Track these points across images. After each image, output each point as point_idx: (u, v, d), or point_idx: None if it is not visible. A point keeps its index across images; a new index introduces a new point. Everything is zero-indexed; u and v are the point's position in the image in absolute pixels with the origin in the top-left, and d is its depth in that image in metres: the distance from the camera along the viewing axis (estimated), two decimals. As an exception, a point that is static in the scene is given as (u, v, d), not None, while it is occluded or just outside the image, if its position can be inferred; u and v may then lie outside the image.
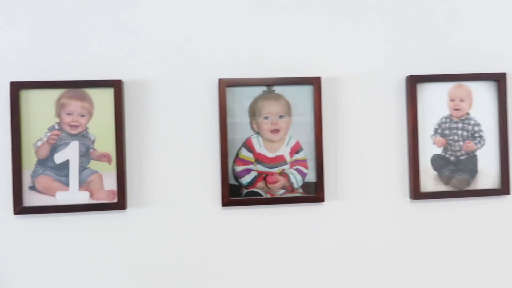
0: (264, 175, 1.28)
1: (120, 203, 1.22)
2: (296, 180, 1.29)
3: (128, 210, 1.25)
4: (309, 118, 1.29)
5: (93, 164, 1.23)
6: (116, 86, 1.22)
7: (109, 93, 1.22)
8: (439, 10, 1.34)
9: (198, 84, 1.27)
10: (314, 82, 1.28)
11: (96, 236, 1.24)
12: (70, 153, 1.22)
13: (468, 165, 1.34)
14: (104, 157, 1.23)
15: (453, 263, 1.33)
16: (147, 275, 1.26)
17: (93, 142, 1.23)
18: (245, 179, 1.28)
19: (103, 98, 1.23)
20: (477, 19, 1.35)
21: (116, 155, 1.22)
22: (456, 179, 1.33)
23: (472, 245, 1.34)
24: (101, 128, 1.23)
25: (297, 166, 1.29)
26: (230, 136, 1.27)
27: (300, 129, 1.29)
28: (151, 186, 1.26)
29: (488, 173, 1.34)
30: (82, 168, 1.22)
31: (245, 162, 1.28)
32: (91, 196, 1.23)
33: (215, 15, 1.28)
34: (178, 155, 1.27)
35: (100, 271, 1.24)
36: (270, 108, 1.28)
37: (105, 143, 1.23)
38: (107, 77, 1.24)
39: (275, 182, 1.28)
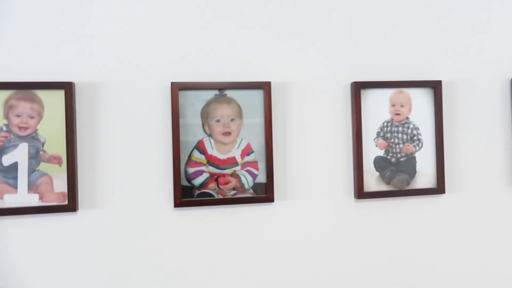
0: (216, 177, 1.32)
1: (70, 205, 1.22)
2: (247, 181, 1.34)
3: (79, 212, 1.26)
4: (259, 121, 1.34)
5: (43, 166, 1.22)
6: (67, 88, 1.22)
7: (59, 95, 1.22)
8: (382, 20, 1.43)
9: (151, 87, 1.30)
10: (265, 87, 1.33)
11: (46, 239, 1.24)
12: (18, 155, 1.21)
13: (407, 166, 1.44)
14: (54, 159, 1.23)
15: (394, 258, 1.43)
16: (99, 278, 1.26)
17: (43, 144, 1.22)
18: (197, 181, 1.31)
19: (54, 100, 1.22)
20: (417, 29, 1.45)
21: (66, 157, 1.22)
22: (396, 179, 1.43)
23: (411, 241, 1.44)
24: (52, 130, 1.22)
25: (248, 168, 1.34)
26: (182, 138, 1.30)
27: (251, 132, 1.34)
28: (102, 188, 1.27)
29: (425, 173, 1.45)
30: (32, 170, 1.22)
31: (197, 163, 1.31)
32: (41, 198, 1.22)
33: (170, 19, 1.31)
34: (130, 157, 1.28)
35: (51, 274, 1.24)
36: (222, 111, 1.32)
37: (56, 145, 1.23)
38: (58, 79, 1.24)
39: (227, 183, 1.32)
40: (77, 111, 1.26)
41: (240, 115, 1.33)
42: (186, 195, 1.30)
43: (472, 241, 1.47)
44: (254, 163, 1.34)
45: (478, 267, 1.48)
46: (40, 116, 1.22)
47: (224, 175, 1.32)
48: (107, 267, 1.27)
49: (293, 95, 1.38)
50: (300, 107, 1.38)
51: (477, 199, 1.48)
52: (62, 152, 1.23)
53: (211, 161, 1.32)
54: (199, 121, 1.31)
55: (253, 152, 1.34)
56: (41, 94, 1.22)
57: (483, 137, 1.49)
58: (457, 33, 1.47)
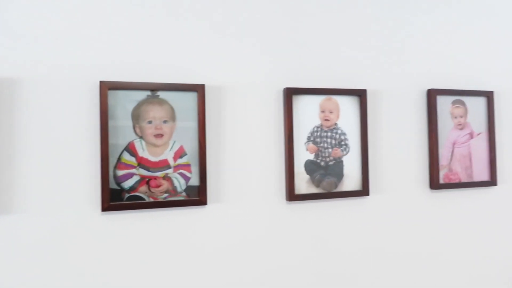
0: (147, 179, 1.29)
1: None
2: (180, 184, 1.32)
3: (-7, 218, 1.16)
4: (193, 124, 1.33)
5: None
6: (-18, 83, 1.13)
7: (-28, 90, 1.12)
8: (316, 30, 1.50)
9: (78, 85, 1.24)
10: (198, 89, 1.33)
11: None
12: None
13: (335, 169, 1.50)
14: (-35, 160, 1.12)
15: (323, 258, 1.48)
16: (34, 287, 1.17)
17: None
18: (127, 183, 1.27)
19: (-35, 96, 1.12)
20: (346, 41, 1.54)
21: (-21, 158, 1.12)
22: (325, 182, 1.49)
23: (340, 240, 1.50)
24: (-38, 128, 1.12)
25: (181, 170, 1.32)
26: (111, 140, 1.25)
27: (184, 134, 1.32)
28: (22, 191, 1.18)
29: (352, 176, 1.52)
30: None
31: (127, 166, 1.27)
32: None
33: (101, 15, 1.26)
34: (53, 158, 1.21)
35: (-44, 287, 1.12)
36: (154, 112, 1.29)
37: (-34, 145, 1.12)
38: (-30, 73, 1.14)
39: (158, 186, 1.29)
40: (-7, 109, 1.16)
41: (173, 117, 1.32)
42: (115, 198, 1.25)
43: (394, 239, 1.58)
44: (187, 166, 1.33)
45: (400, 265, 1.58)
46: None
47: (155, 178, 1.29)
48: (35, 274, 1.17)
49: (227, 98, 1.39)
50: (234, 110, 1.40)
51: (398, 200, 1.59)
52: (-26, 153, 1.12)
53: (142, 163, 1.29)
54: (129, 123, 1.28)
55: (186, 154, 1.33)
56: (-49, 88, 1.11)
57: (402, 143, 1.60)
58: (382, 47, 1.58)
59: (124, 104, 1.27)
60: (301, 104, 1.47)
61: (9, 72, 1.18)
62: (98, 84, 1.24)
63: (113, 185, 1.25)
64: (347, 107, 1.53)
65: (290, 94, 1.44)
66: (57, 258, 1.21)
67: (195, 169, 1.33)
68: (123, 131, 1.27)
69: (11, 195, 1.17)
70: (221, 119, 1.38)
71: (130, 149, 1.27)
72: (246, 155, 1.41)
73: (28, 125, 1.19)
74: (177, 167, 1.32)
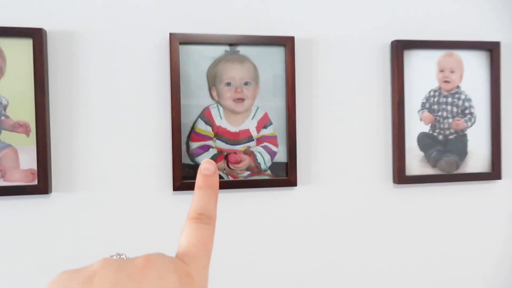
0: (225, 154, 1.06)
1: (41, 186, 0.96)
2: (264, 160, 1.08)
3: (53, 195, 0.99)
4: (279, 86, 1.08)
5: (5, 136, 0.96)
6: (36, 36, 0.95)
7: (26, 45, 0.95)
8: (429, -33, 1.17)
9: (143, 39, 1.03)
10: (287, 43, 1.07)
11: (10, 226, 0.97)
12: (-27, 121, 0.94)
13: (457, 145, 1.18)
14: (20, 127, 0.96)
15: (438, 253, 1.17)
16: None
17: (4, 107, 0.96)
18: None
19: (19, 51, 0.95)
20: (470, -20, 1.19)
21: (36, 125, 0.96)
22: (444, 161, 1.17)
23: (459, 234, 1.19)
24: (16, 90, 0.96)
25: (265, 143, 1.08)
26: (184, 105, 1.04)
27: (269, 99, 1.08)
28: (81, 165, 1.01)
29: (478, 154, 1.19)
30: (-9, 141, 0.95)
31: (202, 137, 1.05)
32: (3, 176, 0.96)
33: (167, -44, 1.04)
34: (117, 128, 1.02)
35: (14, 267, 0.98)
36: (234, 72, 1.06)
37: (22, 109, 0.96)
38: (24, 25, 0.97)
39: (239, 162, 1.06)
40: (50, 67, 0.99)
41: (255, 77, 1.07)
42: (188, 176, 1.04)
43: (532, 237, 1.22)
44: (272, 138, 1.08)
45: (538, 268, 1.23)
46: (1, 71, 0.95)
47: (235, 152, 1.06)
48: (87, 257, 1.00)
49: (321, 54, 1.12)
50: (328, 69, 1.12)
51: (538, 186, 1.23)
52: (30, 119, 0.96)
53: (220, 134, 1.06)
54: (204, 84, 1.05)
55: (271, 124, 1.08)
56: (3, 43, 0.95)
57: (547, 112, 1.23)
58: (519, -15, 1.21)
59: (198, 62, 1.04)
60: (414, 61, 1.15)
61: (65, 24, 1.00)
62: (167, 37, 1.03)
63: (186, 159, 1.04)
64: (473, 65, 1.18)
65: (400, 48, 1.13)
66: (124, 242, 1.02)
67: (282, 141, 1.08)
68: (197, 95, 1.05)
69: (71, 170, 1.00)
70: (314, 80, 1.11)
71: (205, 116, 1.05)
72: (344, 125, 1.13)
73: (87, 88, 1.01)
74: (260, 139, 1.08)
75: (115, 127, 1.02)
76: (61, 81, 1.00)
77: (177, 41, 1.02)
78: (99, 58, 1.01)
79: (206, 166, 0.31)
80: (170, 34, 1.01)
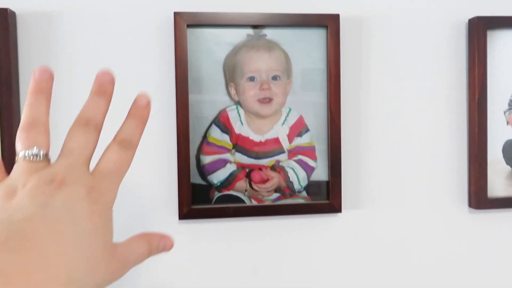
0: (247, 170, 0.81)
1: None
2: (298, 178, 0.82)
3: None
4: (319, 80, 0.81)
5: None
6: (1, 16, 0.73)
7: (-13, 30, 0.73)
8: None
9: (140, 21, 0.79)
10: (330, 23, 0.80)
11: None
12: None
13: (556, 157, 0.88)
14: (-18, 139, 0.75)
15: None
16: None
17: (-39, 112, 0.74)
18: (217, 176, 0.80)
19: (-22, 39, 0.73)
20: None
21: None
22: (538, 178, 0.88)
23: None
24: (-24, 90, 0.73)
25: (300, 156, 0.82)
26: (193, 106, 0.79)
27: (305, 98, 0.82)
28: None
29: None
30: None
31: (218, 149, 0.80)
32: None
33: None
34: (105, 137, 0.78)
35: None
36: (259, 63, 0.80)
37: (-17, 115, 0.74)
38: (-15, 5, 0.75)
39: (265, 181, 0.81)
40: (20, 57, 0.77)
41: (287, 70, 0.81)
42: (199, 199, 0.80)
43: None
44: (309, 149, 0.82)
45: None
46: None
47: (260, 168, 0.81)
48: None
49: (374, 39, 0.84)
50: (385, 59, 0.85)
51: None
52: (-6, 127, 0.74)
53: (240, 144, 0.81)
54: (220, 79, 0.80)
55: (308, 131, 0.82)
56: (-42, 28, 0.73)
57: None
58: None
59: (211, 50, 0.79)
60: (500, 45, 0.86)
61: (38, 4, 0.77)
62: (172, 17, 0.78)
63: (195, 178, 0.80)
64: None
65: (481, 28, 0.84)
66: None
67: (322, 154, 0.82)
68: (210, 94, 0.80)
69: None
70: (364, 73, 0.84)
71: (221, 121, 0.80)
72: (403, 131, 0.86)
73: (72, 74, 0.78)
74: (294, 150, 0.82)
75: (102, 135, 0.78)
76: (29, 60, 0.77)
77: (184, 23, 0.77)
78: (83, 47, 0.78)
79: (140, 97, 0.34)
80: (175, 13, 0.76)
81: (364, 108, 0.84)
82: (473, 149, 0.86)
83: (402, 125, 0.85)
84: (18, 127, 0.30)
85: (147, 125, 0.75)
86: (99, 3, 0.78)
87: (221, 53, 0.80)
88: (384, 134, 0.85)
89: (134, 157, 0.73)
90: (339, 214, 0.83)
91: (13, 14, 0.75)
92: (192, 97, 0.79)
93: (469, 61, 0.86)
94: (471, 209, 0.87)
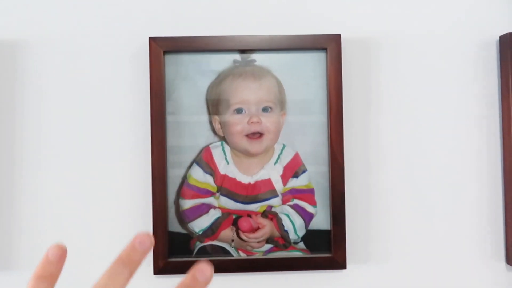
0: (234, 217, 0.69)
1: None
2: (294, 226, 0.70)
3: None
4: (318, 112, 0.70)
5: None
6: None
7: None
8: None
9: (111, 48, 0.70)
10: (329, 45, 0.69)
11: None
12: None
13: None
14: None
15: None
16: None
17: None
18: (199, 224, 0.69)
19: None
20: None
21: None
22: None
23: None
24: None
25: (296, 201, 0.70)
26: (171, 144, 0.69)
27: (301, 132, 0.70)
28: (23, 221, 0.69)
29: None
30: None
31: (199, 192, 0.70)
32: None
33: None
34: (73, 179, 0.70)
35: None
36: (247, 93, 0.69)
37: None
38: None
39: (255, 229, 0.69)
40: (-17, 94, 0.70)
41: (280, 100, 0.70)
42: (178, 250, 0.69)
43: None
44: (307, 193, 0.70)
45: None
46: None
47: (249, 215, 0.69)
48: None
49: (384, 62, 0.72)
50: (397, 84, 0.72)
51: None
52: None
53: (226, 187, 0.70)
54: (203, 112, 0.70)
55: (305, 171, 0.70)
56: None
57: None
58: None
59: (192, 79, 0.69)
60: (540, 66, 0.71)
61: (9, 34, 0.70)
62: (147, 43, 0.69)
63: (174, 225, 0.69)
64: None
65: (516, 46, 0.70)
66: None
67: (323, 198, 0.70)
68: (191, 129, 0.70)
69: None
70: (372, 102, 0.72)
71: (204, 160, 0.69)
72: (420, 170, 0.72)
73: (39, 108, 0.70)
74: (289, 194, 0.70)
75: (74, 171, 0.69)
76: (2, 104, 0.70)
77: (161, 49, 0.68)
78: (50, 77, 0.70)
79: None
80: (150, 39, 0.67)
81: (373, 144, 0.71)
82: (509, 194, 0.70)
83: (421, 166, 0.71)
84: None
85: (119, 166, 0.65)
86: (67, 31, 0.70)
87: (204, 82, 0.70)
88: (398, 175, 0.71)
89: (106, 201, 0.64)
90: (343, 270, 0.70)
91: (-23, 44, 0.68)
92: (170, 133, 0.69)
93: (501, 86, 0.72)
94: (509, 267, 0.71)
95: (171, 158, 0.69)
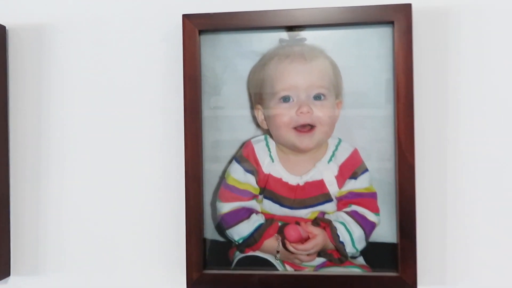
0: (279, 224, 0.59)
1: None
2: (352, 237, 0.58)
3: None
4: (382, 99, 0.58)
5: None
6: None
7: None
8: None
9: (141, 28, 0.63)
10: (397, 18, 0.56)
11: None
12: None
13: None
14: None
15: None
16: None
17: None
18: (239, 231, 0.59)
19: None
20: None
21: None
22: None
23: None
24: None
25: (354, 207, 0.58)
26: (207, 137, 0.60)
27: (360, 124, 0.58)
28: (41, 231, 0.64)
29: None
30: None
31: (240, 194, 0.60)
32: None
33: None
34: (98, 177, 0.63)
35: None
36: (296, 78, 0.58)
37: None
38: (-32, 19, 0.64)
39: (304, 240, 0.58)
40: (10, 73, 0.64)
41: (336, 86, 0.58)
42: (215, 261, 0.60)
43: None
44: (368, 198, 0.58)
45: None
46: None
47: (297, 222, 0.59)
48: None
49: (466, 35, 0.58)
50: (482, 64, 0.58)
51: None
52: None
53: (270, 188, 0.59)
54: (243, 100, 0.60)
55: (365, 170, 0.58)
56: None
57: None
58: None
59: (231, 62, 0.60)
60: None
61: (30, 18, 0.64)
62: (180, 21, 0.60)
63: (210, 232, 0.60)
64: None
65: None
66: None
67: (387, 204, 0.57)
68: (230, 120, 0.60)
69: (25, 242, 0.64)
70: (449, 85, 0.58)
71: (244, 157, 0.60)
72: (506, 171, 0.58)
73: (63, 99, 0.64)
74: (345, 198, 0.58)
75: (95, 177, 0.62)
76: (23, 92, 0.64)
77: (195, 28, 0.59)
78: (77, 61, 0.64)
79: None
80: (184, 16, 0.58)
81: (451, 140, 0.58)
82: None
83: (511, 166, 0.57)
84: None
85: (148, 162, 0.58)
86: (94, 13, 0.63)
87: (245, 66, 0.60)
88: (481, 177, 0.57)
89: (134, 203, 0.57)
90: (413, 292, 0.57)
91: (3, 28, 0.63)
92: (206, 125, 0.60)
93: None
94: None
95: (207, 153, 0.60)
